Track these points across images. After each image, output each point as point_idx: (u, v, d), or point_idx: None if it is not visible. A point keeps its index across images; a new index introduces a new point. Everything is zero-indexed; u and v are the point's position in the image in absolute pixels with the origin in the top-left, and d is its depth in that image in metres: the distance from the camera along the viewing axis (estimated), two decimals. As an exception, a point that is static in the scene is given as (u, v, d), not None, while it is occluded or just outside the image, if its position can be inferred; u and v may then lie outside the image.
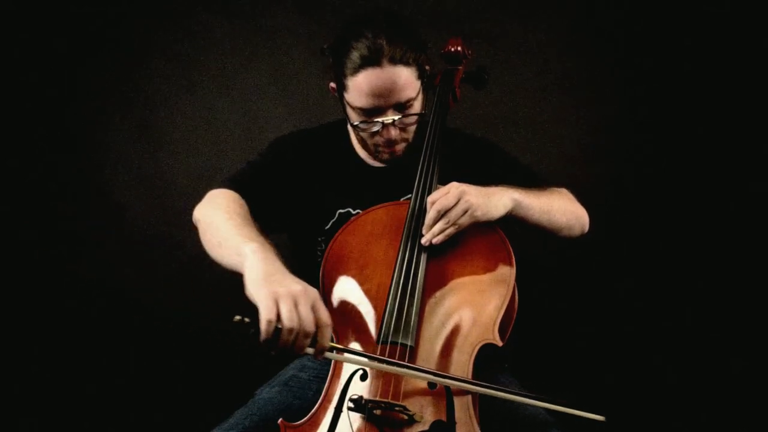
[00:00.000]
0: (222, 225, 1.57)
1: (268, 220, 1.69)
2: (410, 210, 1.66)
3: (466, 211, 1.60)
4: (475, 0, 2.76)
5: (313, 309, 1.34)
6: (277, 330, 1.30)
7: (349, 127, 1.85)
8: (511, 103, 2.76)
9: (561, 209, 1.77)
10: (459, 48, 1.96)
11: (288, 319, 1.31)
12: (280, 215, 1.81)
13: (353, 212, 1.78)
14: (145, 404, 2.72)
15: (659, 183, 2.75)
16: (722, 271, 2.71)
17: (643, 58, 2.73)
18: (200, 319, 2.75)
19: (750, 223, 2.70)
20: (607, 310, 2.74)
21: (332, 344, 1.41)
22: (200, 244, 1.64)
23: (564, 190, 1.86)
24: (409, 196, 1.71)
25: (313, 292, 1.37)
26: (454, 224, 1.60)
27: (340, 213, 1.80)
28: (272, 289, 1.34)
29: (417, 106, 1.74)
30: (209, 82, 2.79)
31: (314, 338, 1.34)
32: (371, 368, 1.47)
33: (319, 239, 1.80)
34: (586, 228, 1.87)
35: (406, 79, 1.68)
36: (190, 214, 1.74)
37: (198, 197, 1.71)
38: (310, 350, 1.35)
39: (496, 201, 1.65)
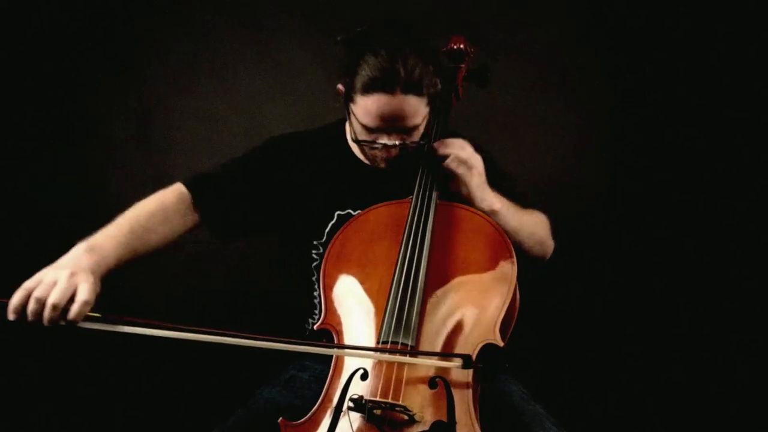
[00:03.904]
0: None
1: (234, 222, 1.78)
2: (412, 208, 1.66)
3: (464, 170, 1.69)
4: (475, 0, 2.76)
5: (73, 285, 1.44)
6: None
7: (348, 131, 1.84)
8: (512, 102, 2.76)
9: (529, 231, 1.80)
10: (462, 45, 1.95)
11: (38, 290, 1.42)
12: (258, 217, 1.82)
13: (353, 214, 1.77)
14: (145, 404, 2.72)
15: (659, 183, 2.75)
16: (722, 271, 2.71)
17: (644, 59, 2.73)
18: (200, 318, 2.75)
19: (750, 222, 2.70)
20: (607, 311, 2.74)
21: (93, 314, 1.49)
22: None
23: (542, 216, 1.87)
24: (411, 195, 1.70)
25: (84, 275, 1.47)
26: (459, 163, 1.69)
27: (339, 215, 1.79)
28: (49, 269, 1.46)
29: (421, 130, 1.73)
30: (209, 82, 2.78)
31: (64, 311, 1.43)
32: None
33: (315, 242, 1.79)
34: (548, 257, 1.89)
35: (416, 108, 1.66)
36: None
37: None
38: (62, 322, 1.45)
39: (486, 194, 1.71)
